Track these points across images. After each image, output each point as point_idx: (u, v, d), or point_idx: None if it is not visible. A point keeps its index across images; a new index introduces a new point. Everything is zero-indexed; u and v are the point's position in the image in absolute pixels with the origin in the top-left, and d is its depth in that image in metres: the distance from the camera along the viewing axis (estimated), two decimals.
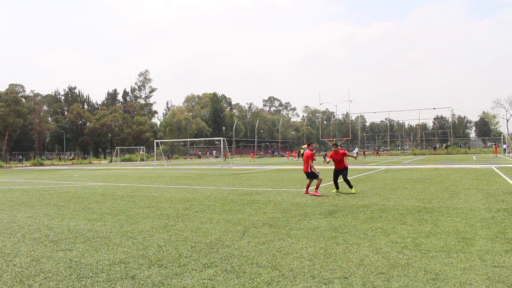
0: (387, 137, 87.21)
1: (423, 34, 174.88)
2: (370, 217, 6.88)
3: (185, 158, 70.79)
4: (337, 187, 10.65)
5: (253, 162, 41.76)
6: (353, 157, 13.13)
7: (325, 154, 43.68)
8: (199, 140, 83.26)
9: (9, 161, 56.19)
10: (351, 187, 10.59)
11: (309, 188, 10.67)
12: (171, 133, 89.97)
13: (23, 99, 72.23)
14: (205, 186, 13.81)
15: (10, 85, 68.03)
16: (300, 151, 50.03)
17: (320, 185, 10.68)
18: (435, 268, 4.02)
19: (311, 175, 10.35)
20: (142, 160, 56.01)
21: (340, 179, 11.07)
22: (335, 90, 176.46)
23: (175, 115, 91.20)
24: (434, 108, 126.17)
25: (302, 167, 11.76)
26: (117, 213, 8.03)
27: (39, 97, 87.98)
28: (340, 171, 10.79)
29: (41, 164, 51.70)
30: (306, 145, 10.64)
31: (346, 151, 11.27)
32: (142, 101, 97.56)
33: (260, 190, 11.96)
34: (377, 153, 56.41)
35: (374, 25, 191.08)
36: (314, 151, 10.90)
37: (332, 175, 11.01)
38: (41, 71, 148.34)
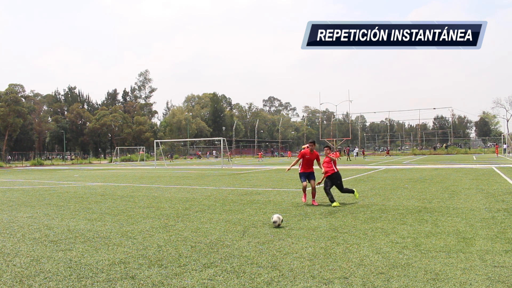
0: (387, 137, 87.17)
1: None
2: (370, 217, 6.88)
3: (185, 158, 70.80)
4: (331, 200, 8.49)
5: (260, 162, 40.96)
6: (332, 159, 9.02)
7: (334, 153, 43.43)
8: (199, 140, 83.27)
9: (9, 161, 56.16)
10: (352, 192, 8.98)
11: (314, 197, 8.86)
12: (171, 133, 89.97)
13: (23, 99, 72.19)
14: (205, 186, 13.81)
15: (10, 85, 67.98)
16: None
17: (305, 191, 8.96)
18: (435, 268, 4.02)
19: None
20: (142, 160, 56.01)
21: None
22: (335, 90, 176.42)
23: (175, 115, 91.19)
24: (434, 108, 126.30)
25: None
26: (117, 213, 8.03)
27: (39, 97, 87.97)
28: (331, 179, 8.76)
29: (41, 164, 51.71)
30: (306, 145, 9.17)
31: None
32: (142, 101, 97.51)
33: (260, 190, 11.96)
34: (388, 153, 56.96)
35: None
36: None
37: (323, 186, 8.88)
38: (41, 71, 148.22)
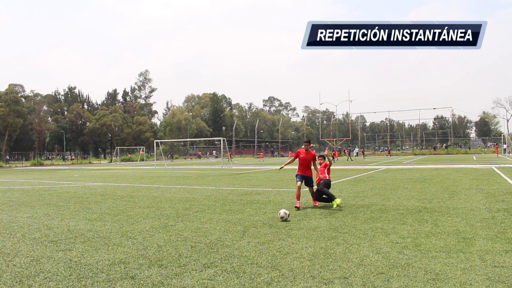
0: (387, 137, 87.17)
1: None
2: (370, 217, 6.88)
3: (185, 158, 70.79)
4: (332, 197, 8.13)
5: (261, 162, 40.79)
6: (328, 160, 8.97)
7: (333, 154, 43.68)
8: (199, 140, 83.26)
9: (7, 161, 56.16)
10: (328, 201, 8.20)
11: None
12: (171, 133, 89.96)
13: (23, 99, 72.16)
14: (205, 186, 13.81)
15: (10, 85, 67.94)
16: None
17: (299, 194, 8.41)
18: (435, 268, 4.02)
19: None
20: (142, 160, 56.01)
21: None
22: (335, 90, 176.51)
23: (175, 115, 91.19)
24: (434, 108, 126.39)
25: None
26: (117, 213, 8.02)
27: (39, 97, 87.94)
28: (318, 184, 8.48)
29: (41, 164, 51.71)
30: (304, 145, 8.71)
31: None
32: (142, 101, 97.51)
33: (260, 190, 11.96)
34: (389, 152, 58.59)
35: None
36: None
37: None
38: (41, 71, 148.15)
